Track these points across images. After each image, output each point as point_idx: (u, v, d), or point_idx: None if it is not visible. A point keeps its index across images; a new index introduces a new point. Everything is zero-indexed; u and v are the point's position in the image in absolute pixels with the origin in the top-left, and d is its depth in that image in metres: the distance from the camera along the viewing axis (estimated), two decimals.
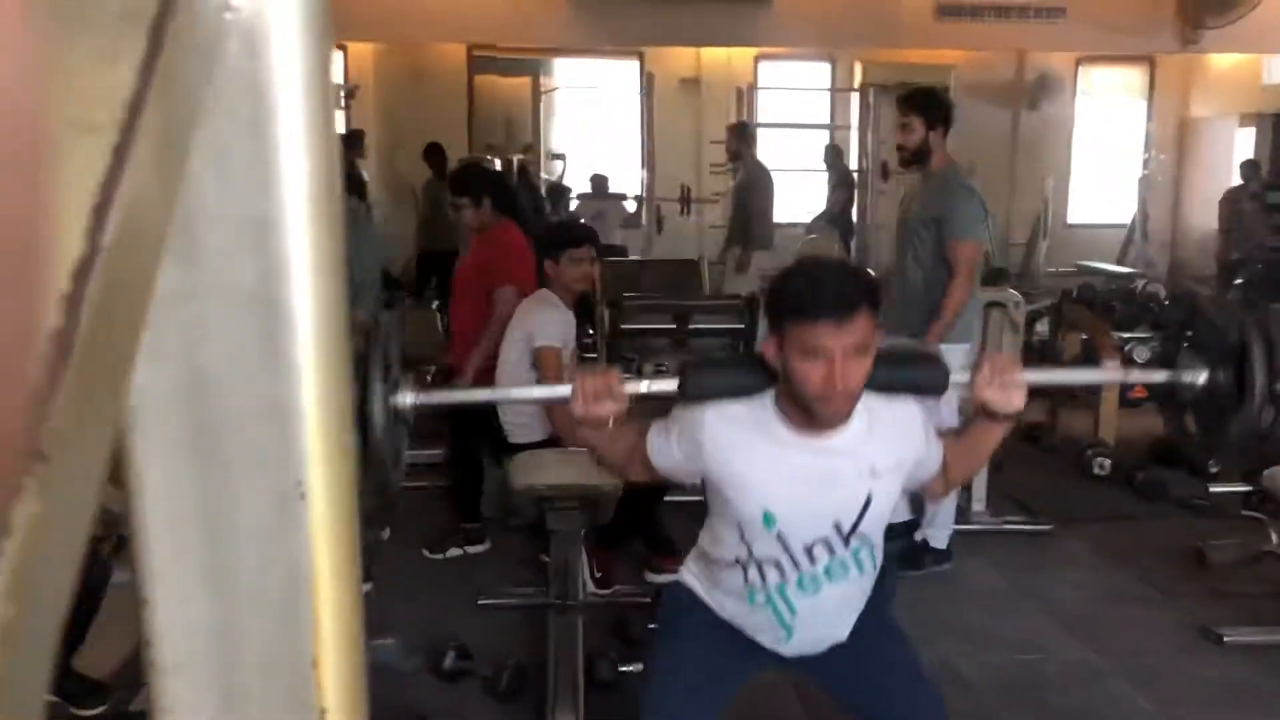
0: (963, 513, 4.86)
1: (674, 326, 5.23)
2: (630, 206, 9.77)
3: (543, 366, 3.68)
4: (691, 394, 1.92)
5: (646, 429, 2.02)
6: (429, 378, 4.62)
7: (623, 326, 5.13)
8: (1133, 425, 5.94)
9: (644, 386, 1.97)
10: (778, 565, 1.94)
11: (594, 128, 11.57)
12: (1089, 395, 6.04)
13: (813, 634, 2.02)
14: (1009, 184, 11.47)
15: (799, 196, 10.81)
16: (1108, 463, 5.50)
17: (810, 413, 1.83)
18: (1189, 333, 2.05)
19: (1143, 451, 5.76)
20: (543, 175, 10.04)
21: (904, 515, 3.52)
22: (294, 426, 0.51)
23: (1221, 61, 11.30)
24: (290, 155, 0.47)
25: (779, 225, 10.50)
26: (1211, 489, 4.96)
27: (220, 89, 0.43)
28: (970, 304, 4.06)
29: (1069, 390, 6.21)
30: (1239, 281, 8.62)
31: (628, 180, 10.12)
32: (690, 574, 2.15)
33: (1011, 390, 1.87)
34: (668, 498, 4.01)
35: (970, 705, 3.23)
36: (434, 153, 8.73)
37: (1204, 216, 10.52)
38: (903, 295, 4.08)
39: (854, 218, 10.22)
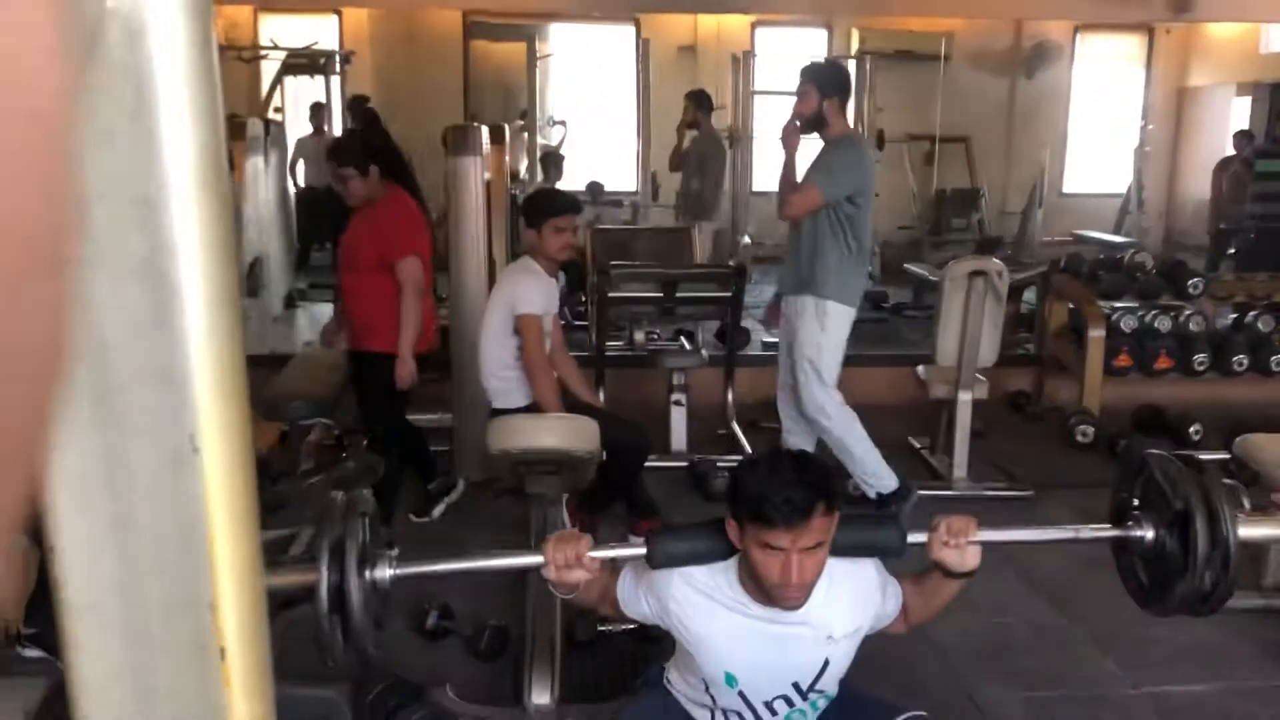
0: (944, 479, 4.93)
1: (661, 295, 5.27)
2: (626, 214, 9.74)
3: (525, 334, 3.71)
4: (658, 562, 2.00)
5: (619, 572, 2.12)
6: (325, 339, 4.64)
7: (610, 295, 5.17)
8: (1117, 394, 6.00)
9: (612, 554, 2.06)
10: (740, 715, 2.07)
11: (591, 94, 11.53)
12: (1074, 364, 6.08)
13: None
14: (1005, 153, 11.47)
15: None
16: (1091, 430, 5.56)
17: (770, 599, 1.93)
18: (1138, 490, 2.11)
19: (1126, 420, 5.81)
20: (539, 140, 10.02)
21: None
22: (185, 388, 0.55)
23: (1220, 30, 11.24)
24: (174, 139, 0.50)
25: (769, 192, 10.46)
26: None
27: (103, 77, 0.47)
28: (849, 265, 4.25)
29: (1059, 362, 6.27)
30: (1232, 251, 8.63)
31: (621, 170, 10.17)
32: (669, 678, 2.23)
33: (966, 550, 1.94)
34: (649, 463, 4.07)
35: (941, 668, 3.29)
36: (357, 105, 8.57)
37: (1200, 185, 10.51)
38: (792, 253, 4.38)
39: None
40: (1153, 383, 6.11)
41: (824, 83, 4.28)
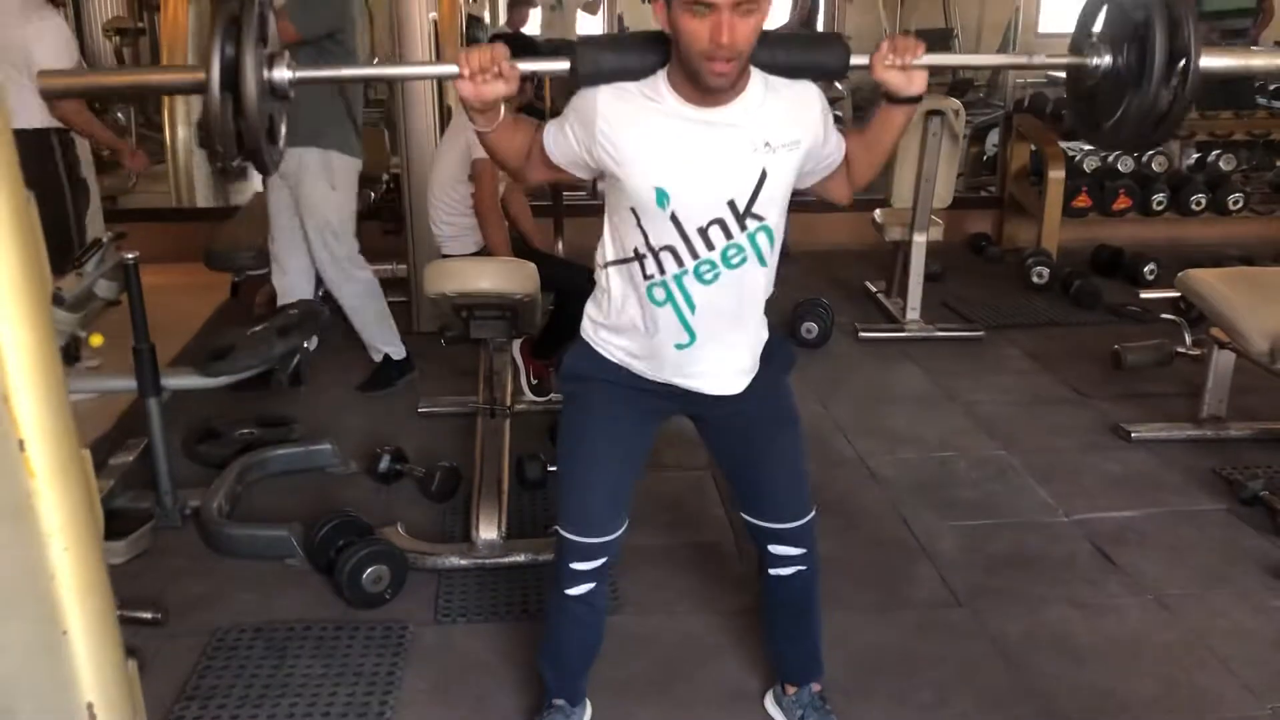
0: (898, 321, 4.99)
1: None
2: None
3: (479, 179, 3.66)
4: (584, 72, 1.84)
5: (543, 128, 1.97)
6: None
7: None
8: (1076, 235, 6.02)
9: (533, 66, 1.90)
10: (674, 252, 1.88)
11: None
12: (1034, 205, 6.09)
13: (714, 340, 1.96)
14: None
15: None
16: (1046, 272, 5.60)
17: (699, 78, 1.77)
18: (1100, 20, 1.96)
19: (1083, 260, 5.85)
20: None
21: None
22: None
23: None
24: None
25: None
26: (1142, 295, 5.09)
27: None
28: (328, 110, 3.89)
29: (1019, 204, 6.26)
30: None
31: None
32: (590, 325, 2.07)
33: (913, 72, 1.84)
34: None
35: (881, 498, 3.40)
36: None
37: None
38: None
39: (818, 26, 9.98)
40: (1112, 223, 6.13)
41: None
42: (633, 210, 1.88)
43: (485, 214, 3.70)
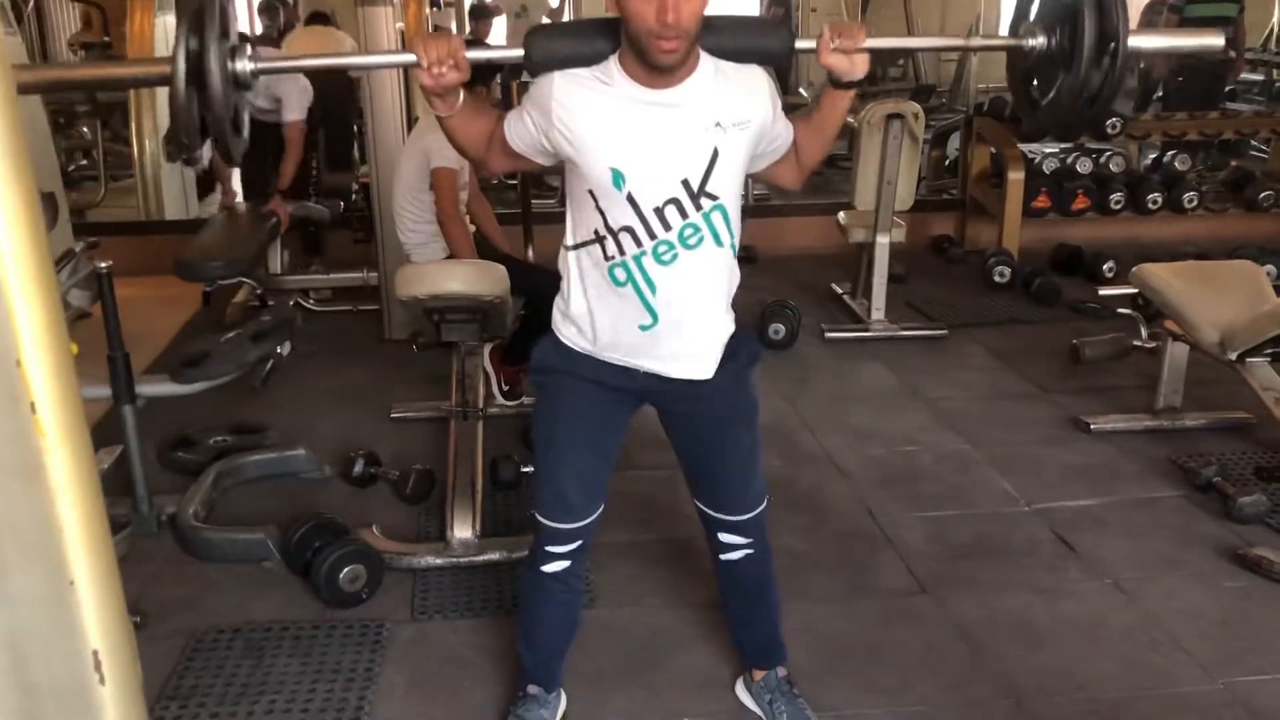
0: (862, 321, 5.08)
1: None
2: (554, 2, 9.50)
3: (439, 187, 3.72)
4: (537, 59, 1.93)
5: (504, 117, 2.05)
6: None
7: None
8: (1036, 235, 6.14)
9: (487, 55, 1.97)
10: (632, 233, 1.95)
11: None
12: (995, 207, 6.20)
13: (676, 323, 2.01)
14: None
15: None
16: (1008, 271, 5.71)
17: (647, 56, 1.85)
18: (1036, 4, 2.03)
19: (1043, 260, 5.97)
20: None
21: None
22: None
23: None
24: None
25: None
26: (1101, 292, 5.20)
27: None
28: None
29: (980, 205, 6.37)
30: (1159, 96, 8.70)
31: None
32: (559, 315, 2.13)
33: (855, 57, 1.93)
34: None
35: (847, 492, 3.48)
36: None
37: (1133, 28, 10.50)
38: None
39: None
40: (1071, 223, 6.26)
41: None
42: (590, 193, 1.96)
43: (447, 220, 3.76)
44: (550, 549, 2.15)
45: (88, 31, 8.31)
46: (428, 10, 5.84)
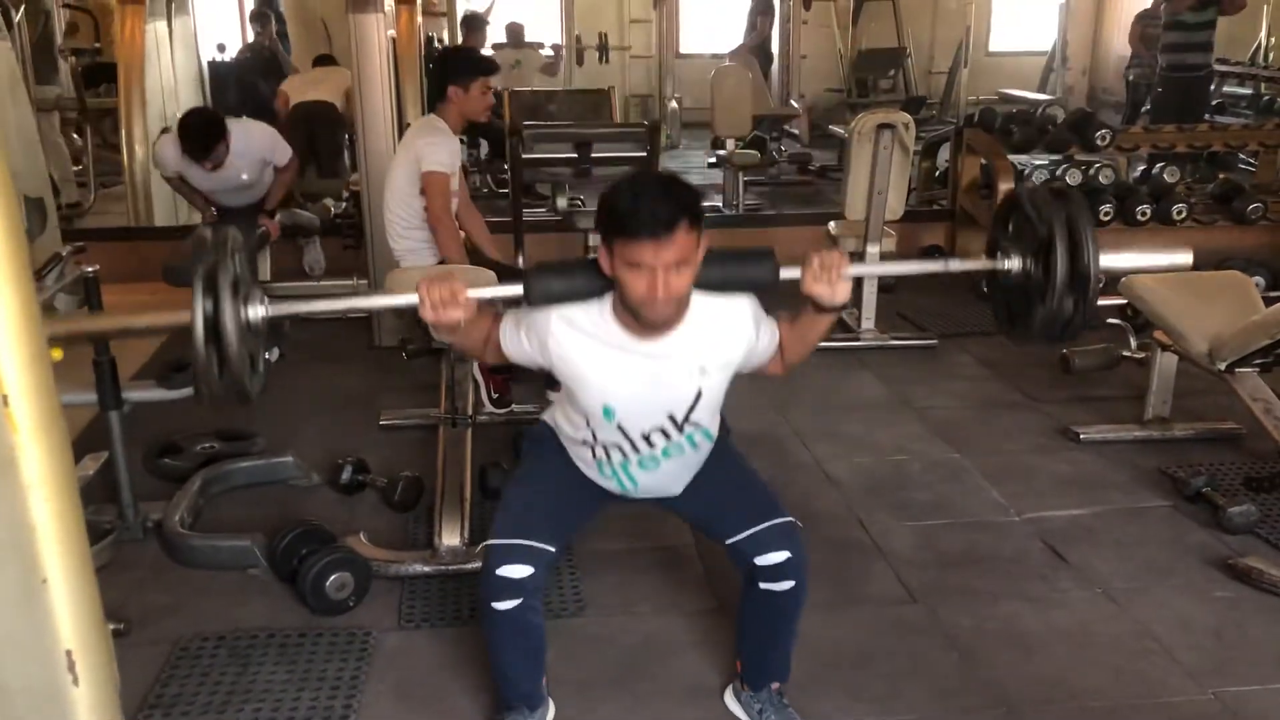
0: (853, 331, 5.07)
1: (576, 155, 5.26)
2: (547, 53, 9.58)
3: (429, 192, 3.71)
4: (535, 299, 2.04)
5: (500, 318, 2.15)
6: None
7: (525, 156, 5.15)
8: None
9: (488, 293, 2.08)
10: (620, 449, 2.16)
11: None
12: (985, 217, 6.20)
13: (656, 489, 2.26)
14: (931, 11, 11.39)
15: (722, 27, 10.69)
16: None
17: (638, 316, 1.97)
18: (1011, 225, 2.08)
19: None
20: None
21: None
22: None
23: None
24: None
25: (698, 55, 10.38)
26: None
27: None
28: None
29: (970, 216, 6.38)
30: (1146, 109, 8.74)
31: (545, 30, 10.01)
32: (552, 421, 2.30)
33: (838, 285, 2.00)
34: None
35: (837, 501, 3.47)
36: None
37: (1123, 41, 10.54)
38: None
39: (774, 48, 10.15)
40: None
41: None
42: (584, 413, 2.14)
43: (437, 225, 3.75)
44: (500, 572, 2.06)
45: (75, 37, 8.30)
46: (419, 19, 5.83)
